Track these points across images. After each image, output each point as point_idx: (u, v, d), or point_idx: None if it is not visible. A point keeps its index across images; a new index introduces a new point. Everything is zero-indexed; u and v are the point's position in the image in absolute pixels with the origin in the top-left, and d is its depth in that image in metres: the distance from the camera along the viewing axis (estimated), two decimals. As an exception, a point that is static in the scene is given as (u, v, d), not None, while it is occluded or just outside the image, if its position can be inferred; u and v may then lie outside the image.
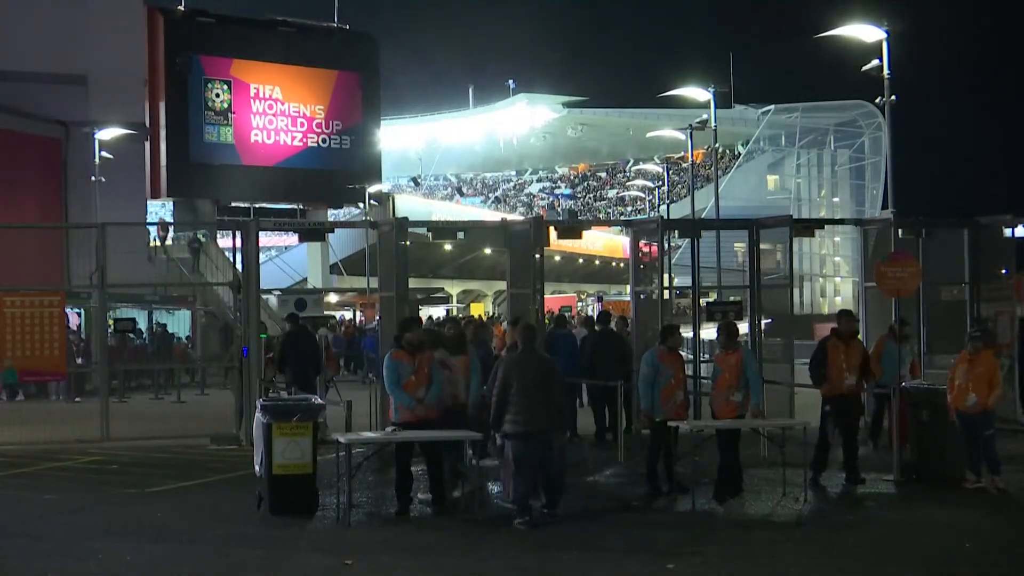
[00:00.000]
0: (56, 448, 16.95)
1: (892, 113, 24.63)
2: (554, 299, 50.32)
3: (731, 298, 21.85)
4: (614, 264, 68.29)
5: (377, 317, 20.26)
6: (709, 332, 16.89)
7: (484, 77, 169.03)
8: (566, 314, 36.64)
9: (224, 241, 40.60)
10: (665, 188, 68.53)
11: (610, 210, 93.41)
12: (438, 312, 52.84)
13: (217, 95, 47.49)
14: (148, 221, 43.95)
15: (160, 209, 52.39)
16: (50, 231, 35.48)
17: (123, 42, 41.17)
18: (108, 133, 36.66)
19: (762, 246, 18.92)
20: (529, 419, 11.28)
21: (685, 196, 65.70)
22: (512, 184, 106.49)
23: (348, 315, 50.28)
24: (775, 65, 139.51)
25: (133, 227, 35.03)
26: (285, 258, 52.31)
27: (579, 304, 57.88)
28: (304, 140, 50.24)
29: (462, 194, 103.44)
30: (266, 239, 38.55)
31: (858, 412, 14.46)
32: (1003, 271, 19.51)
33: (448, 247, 52.75)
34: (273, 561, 10.01)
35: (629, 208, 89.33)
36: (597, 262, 69.27)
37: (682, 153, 71.13)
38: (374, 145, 52.36)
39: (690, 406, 13.90)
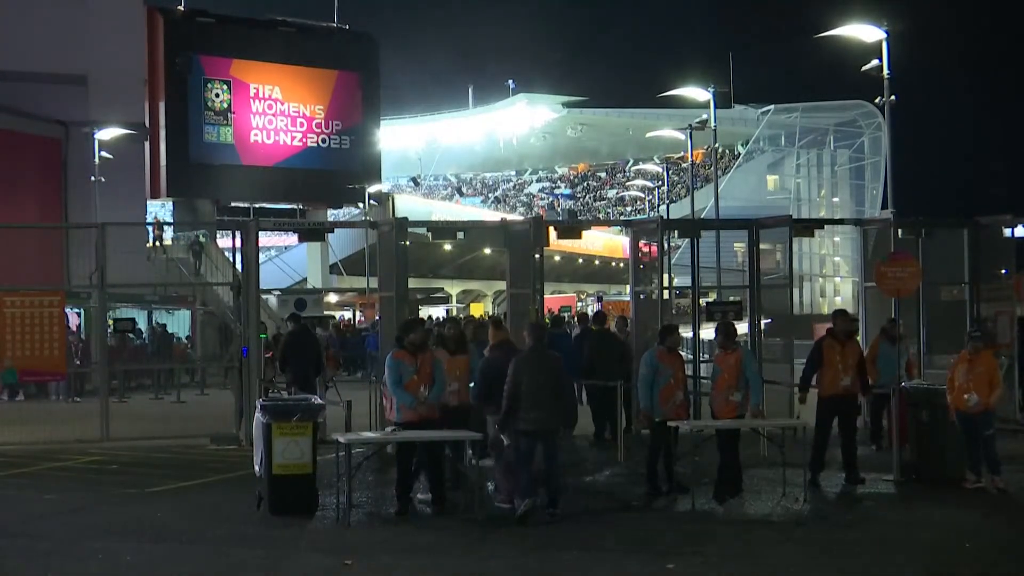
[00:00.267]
0: (56, 448, 16.95)
1: (892, 113, 24.64)
2: (554, 299, 50.36)
3: (731, 298, 21.86)
4: (614, 264, 68.30)
5: (377, 317, 20.27)
6: (709, 332, 16.89)
7: (484, 77, 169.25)
8: (564, 315, 36.71)
9: (224, 241, 40.58)
10: (665, 188, 68.55)
11: (610, 210, 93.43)
12: (438, 312, 52.87)
13: (217, 95, 47.50)
14: (148, 221, 43.97)
15: (160, 209, 52.42)
16: (50, 231, 35.47)
17: (123, 42, 41.17)
18: (108, 133, 36.66)
19: (762, 246, 18.94)
20: (539, 417, 11.40)
21: (685, 196, 65.72)
22: (512, 184, 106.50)
23: (348, 315, 50.30)
24: (775, 65, 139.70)
25: (133, 227, 35.03)
26: (285, 258, 52.31)
27: (579, 304, 57.88)
28: (304, 140, 50.25)
29: (462, 194, 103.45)
30: (266, 239, 38.60)
31: (855, 412, 14.43)
32: (1003, 271, 19.52)
33: (448, 247, 52.77)
34: (273, 561, 10.01)
35: (629, 208, 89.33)
36: (597, 262, 69.29)
37: (682, 153, 71.11)
38: (374, 145, 52.36)
39: (690, 406, 13.89)
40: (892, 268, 14.30)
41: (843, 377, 13.66)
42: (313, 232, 21.47)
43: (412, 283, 18.84)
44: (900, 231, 18.83)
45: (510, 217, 43.84)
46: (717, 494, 12.48)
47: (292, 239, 32.33)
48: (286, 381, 17.88)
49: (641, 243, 19.71)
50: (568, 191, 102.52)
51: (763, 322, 18.66)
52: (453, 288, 61.45)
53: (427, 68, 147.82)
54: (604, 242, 67.83)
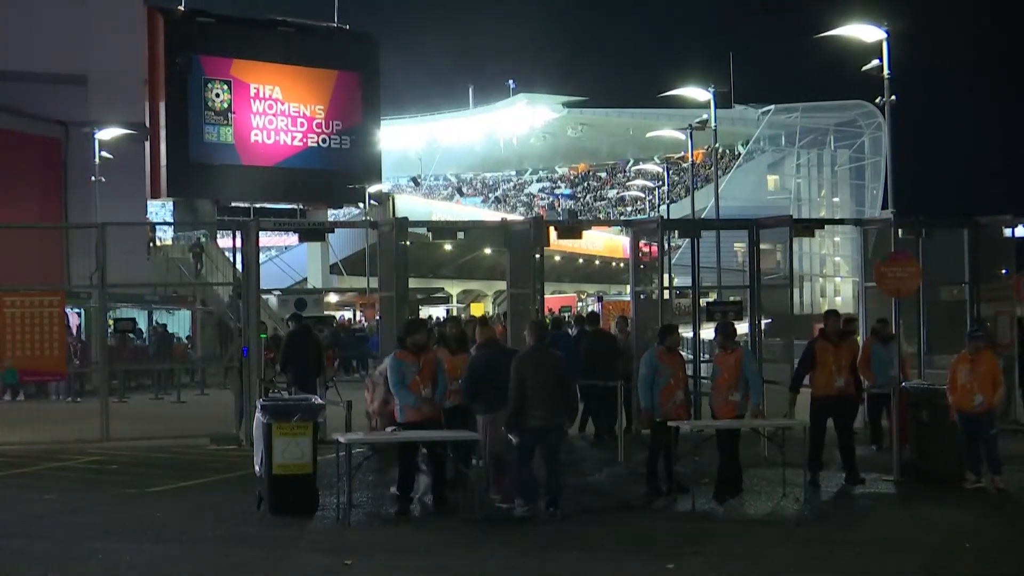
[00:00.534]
0: (56, 448, 16.94)
1: (892, 113, 24.63)
2: (554, 299, 50.35)
3: (731, 298, 21.87)
4: (614, 264, 68.30)
5: (377, 317, 20.26)
6: (709, 332, 16.90)
7: (484, 77, 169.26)
8: (565, 315, 36.72)
9: (224, 241, 40.60)
10: (665, 188, 68.54)
11: (610, 210, 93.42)
12: (439, 312, 52.87)
13: (217, 95, 47.50)
14: (148, 221, 43.98)
15: (160, 209, 52.45)
16: (50, 231, 35.47)
17: (123, 42, 41.16)
18: (108, 133, 36.65)
19: (762, 246, 18.94)
20: (546, 414, 11.51)
21: (685, 196, 65.72)
22: (512, 184, 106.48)
23: (348, 315, 50.31)
24: (775, 65, 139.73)
25: (133, 227, 35.03)
26: (285, 258, 52.31)
27: (579, 304, 57.90)
28: (304, 140, 50.25)
29: (462, 194, 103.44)
30: (266, 239, 38.55)
31: (851, 413, 14.39)
32: (1003, 271, 19.53)
33: (448, 247, 52.78)
34: (273, 561, 10.01)
35: (629, 208, 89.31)
36: (597, 262, 69.30)
37: (682, 153, 71.13)
38: (374, 145, 52.36)
39: (691, 406, 13.88)
40: (892, 268, 14.30)
41: (836, 378, 13.64)
42: (313, 232, 21.47)
43: (412, 283, 18.84)
44: (900, 231, 18.82)
45: (510, 217, 43.84)
46: (717, 494, 12.48)
47: (292, 239, 32.37)
48: (287, 381, 17.87)
49: (641, 243, 19.71)
50: (568, 191, 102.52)
51: (763, 322, 18.66)
52: (453, 288, 61.46)
53: (427, 68, 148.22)
54: (604, 242, 67.83)
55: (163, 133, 45.49)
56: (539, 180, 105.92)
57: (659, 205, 67.01)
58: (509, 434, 11.70)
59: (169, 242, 47.89)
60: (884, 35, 23.54)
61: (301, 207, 51.37)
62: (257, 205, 48.99)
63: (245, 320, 17.50)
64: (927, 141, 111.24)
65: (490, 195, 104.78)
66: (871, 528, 11.38)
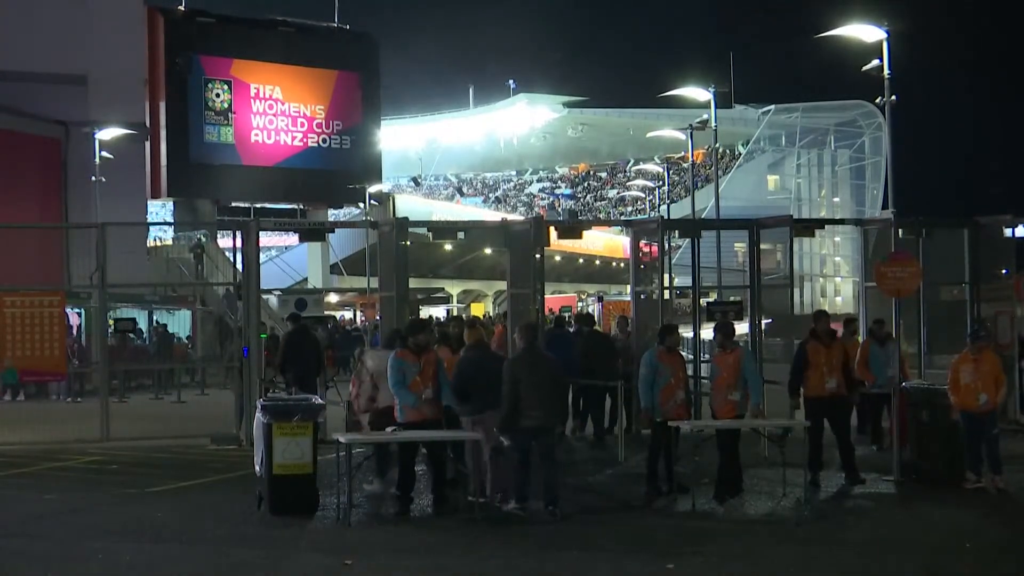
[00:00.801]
0: (56, 448, 16.94)
1: (892, 113, 24.60)
2: (554, 299, 50.34)
3: (731, 298, 21.88)
4: (614, 264, 68.31)
5: (378, 317, 20.25)
6: (709, 332, 16.91)
7: (484, 77, 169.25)
8: (566, 315, 36.71)
9: (224, 241, 40.61)
10: (665, 188, 68.54)
11: (610, 210, 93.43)
12: (438, 312, 52.86)
13: (217, 95, 47.51)
14: (148, 221, 43.97)
15: (160, 209, 52.44)
16: (50, 231, 35.47)
17: (123, 42, 41.19)
18: (108, 133, 36.65)
19: (762, 246, 18.93)
20: (541, 415, 11.60)
21: (685, 196, 65.69)
22: (512, 184, 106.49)
23: (348, 315, 50.33)
24: (775, 65, 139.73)
25: (133, 227, 35.03)
26: (285, 258, 52.31)
27: (579, 304, 57.90)
28: (304, 140, 50.26)
29: (462, 194, 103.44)
30: (266, 239, 38.57)
31: (846, 413, 14.38)
32: (1003, 271, 19.52)
33: (448, 247, 52.78)
34: (273, 561, 10.00)
35: (629, 208, 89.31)
36: (597, 262, 69.30)
37: (682, 153, 71.12)
38: (374, 145, 52.37)
39: (691, 406, 13.88)
40: (892, 268, 14.30)
41: (828, 378, 13.64)
42: (314, 232, 21.47)
43: (412, 283, 18.84)
44: (900, 231, 18.82)
45: (511, 217, 43.85)
46: (717, 494, 12.48)
47: (293, 239, 32.36)
48: (286, 381, 17.82)
49: (642, 243, 19.71)
50: (568, 191, 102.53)
51: (763, 322, 18.66)
52: (453, 288, 61.45)
53: (427, 68, 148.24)
54: (605, 242, 67.83)
55: (163, 133, 45.51)
56: (539, 180, 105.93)
57: (659, 205, 67.00)
58: (501, 436, 11.74)
59: (169, 242, 47.92)
60: (884, 35, 23.49)
61: (301, 207, 51.38)
62: (257, 205, 48.99)
63: (245, 320, 17.49)
64: (927, 141, 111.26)
65: (490, 195, 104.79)
66: (871, 528, 11.38)
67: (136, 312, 33.10)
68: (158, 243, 47.64)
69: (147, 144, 43.45)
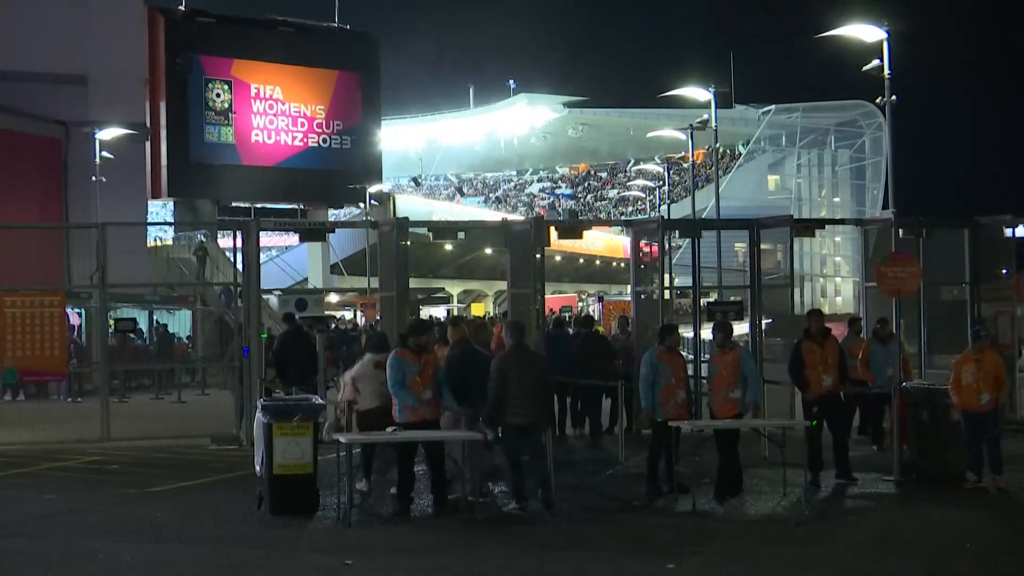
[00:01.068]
0: (56, 448, 16.94)
1: (892, 113, 24.62)
2: (555, 299, 50.36)
3: (731, 298, 21.87)
4: (615, 264, 68.31)
5: (378, 317, 20.25)
6: (710, 332, 16.91)
7: (484, 77, 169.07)
8: (566, 315, 36.73)
9: (224, 241, 40.61)
10: (665, 188, 68.55)
11: (611, 210, 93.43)
12: (439, 312, 52.87)
13: (218, 95, 47.51)
14: (148, 221, 43.96)
15: (160, 209, 52.44)
16: (50, 231, 35.47)
17: (123, 42, 41.18)
18: (108, 133, 36.66)
19: (762, 246, 18.93)
20: (529, 412, 11.68)
21: (685, 196, 65.67)
22: (512, 184, 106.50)
23: (348, 315, 50.32)
24: (775, 65, 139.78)
25: (133, 227, 35.02)
26: (286, 258, 52.31)
27: (580, 304, 57.91)
28: (304, 140, 50.26)
29: (463, 194, 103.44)
30: (266, 239, 38.55)
31: (843, 410, 14.36)
32: (1003, 271, 19.53)
33: (448, 247, 52.77)
34: (273, 561, 10.00)
35: (630, 208, 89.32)
36: (598, 262, 69.29)
37: (682, 153, 71.13)
38: (374, 145, 52.37)
39: (692, 406, 13.88)
40: (892, 268, 14.30)
41: (824, 377, 13.63)
42: (314, 232, 21.48)
43: (413, 283, 18.84)
44: (901, 231, 18.83)
45: (511, 217, 43.86)
46: (718, 494, 12.49)
47: (293, 239, 32.35)
48: (284, 382, 17.71)
49: (642, 243, 19.72)
50: (569, 191, 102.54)
51: (764, 322, 18.66)
52: (454, 288, 61.44)
53: (427, 68, 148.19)
54: (605, 242, 67.82)
55: (163, 133, 45.51)
56: (540, 180, 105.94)
57: (659, 205, 67.01)
58: (486, 429, 11.86)
59: (169, 242, 47.92)
60: (884, 35, 23.52)
61: (301, 207, 51.38)
62: (257, 205, 48.99)
63: (245, 320, 17.47)
64: (927, 141, 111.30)
65: (491, 195, 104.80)
66: (871, 528, 11.38)
67: (136, 312, 33.09)
68: (158, 243, 47.64)
69: (147, 144, 43.44)
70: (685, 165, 71.98)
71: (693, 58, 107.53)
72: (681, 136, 46.61)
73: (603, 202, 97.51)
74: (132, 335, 29.47)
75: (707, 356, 18.07)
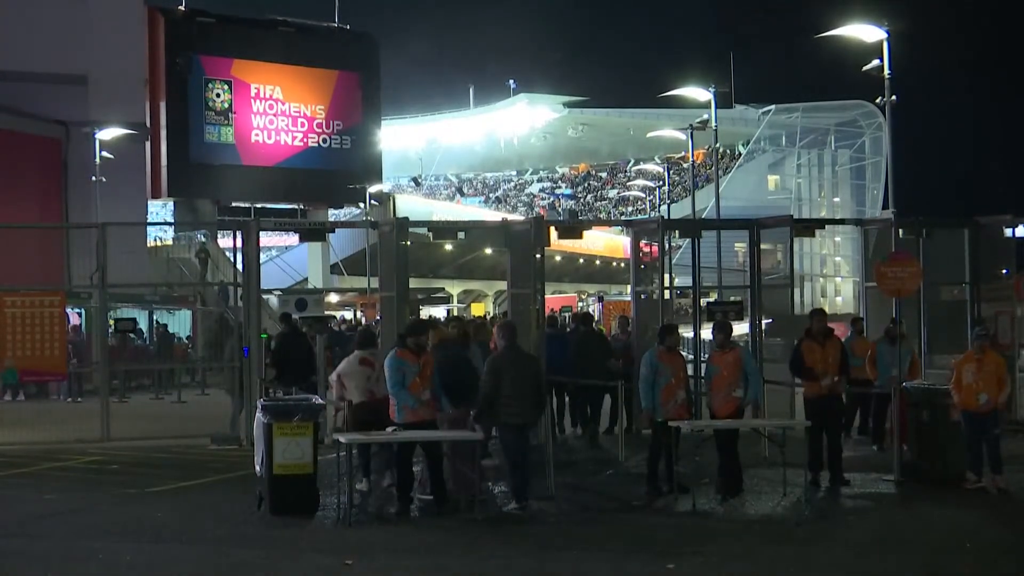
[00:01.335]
0: (56, 448, 16.94)
1: (892, 113, 24.64)
2: (555, 299, 50.36)
3: (731, 298, 21.86)
4: (615, 264, 68.30)
5: (378, 317, 20.24)
6: (710, 332, 16.92)
7: (484, 77, 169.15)
8: (566, 315, 36.75)
9: (224, 241, 40.62)
10: (665, 188, 68.59)
11: (611, 210, 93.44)
12: (438, 312, 52.87)
13: (218, 95, 47.52)
14: (148, 221, 43.97)
15: (160, 209, 52.44)
16: (50, 231, 35.47)
17: (123, 42, 41.19)
18: (108, 133, 36.68)
19: (762, 246, 18.93)
20: (523, 411, 11.82)
21: (685, 196, 65.70)
22: (512, 184, 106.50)
23: (348, 315, 50.30)
24: (775, 65, 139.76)
25: (133, 227, 35.03)
26: (286, 258, 52.30)
27: (580, 304, 57.92)
28: (304, 140, 50.27)
29: (463, 194, 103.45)
30: (266, 239, 38.54)
31: (841, 411, 14.35)
32: (1003, 271, 19.54)
33: (448, 247, 52.75)
34: (273, 561, 10.00)
35: (630, 208, 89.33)
36: (598, 262, 69.28)
37: (682, 153, 71.15)
38: (374, 145, 52.38)
39: (692, 406, 13.88)
40: (892, 268, 14.31)
41: (823, 377, 13.62)
42: (314, 232, 21.47)
43: (413, 283, 18.83)
44: (901, 231, 18.83)
45: (511, 217, 43.83)
46: (720, 491, 12.52)
47: (293, 239, 32.34)
48: (284, 382, 17.69)
49: (642, 243, 19.72)
50: (569, 191, 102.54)
51: (764, 322, 18.66)
52: (454, 288, 61.43)
53: (427, 68, 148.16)
54: (605, 242, 67.82)
55: (163, 133, 45.53)
56: (540, 180, 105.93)
57: (659, 205, 67.05)
58: (476, 425, 11.98)
59: (169, 242, 47.92)
60: (884, 35, 23.55)
61: (301, 207, 51.39)
62: (258, 205, 49.00)
63: (245, 320, 17.47)
64: (927, 141, 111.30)
65: (491, 195, 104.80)
66: (871, 528, 11.38)
67: (136, 312, 33.09)
68: (158, 243, 47.65)
69: (147, 144, 43.45)
70: (685, 165, 71.99)
71: (693, 58, 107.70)
72: (681, 136, 46.65)
73: (603, 202, 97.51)
74: (132, 335, 29.46)
75: (707, 356, 18.14)
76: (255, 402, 13.72)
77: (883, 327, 17.01)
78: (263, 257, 21.88)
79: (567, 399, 18.56)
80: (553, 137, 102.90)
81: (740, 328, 17.94)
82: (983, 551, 10.43)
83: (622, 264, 61.40)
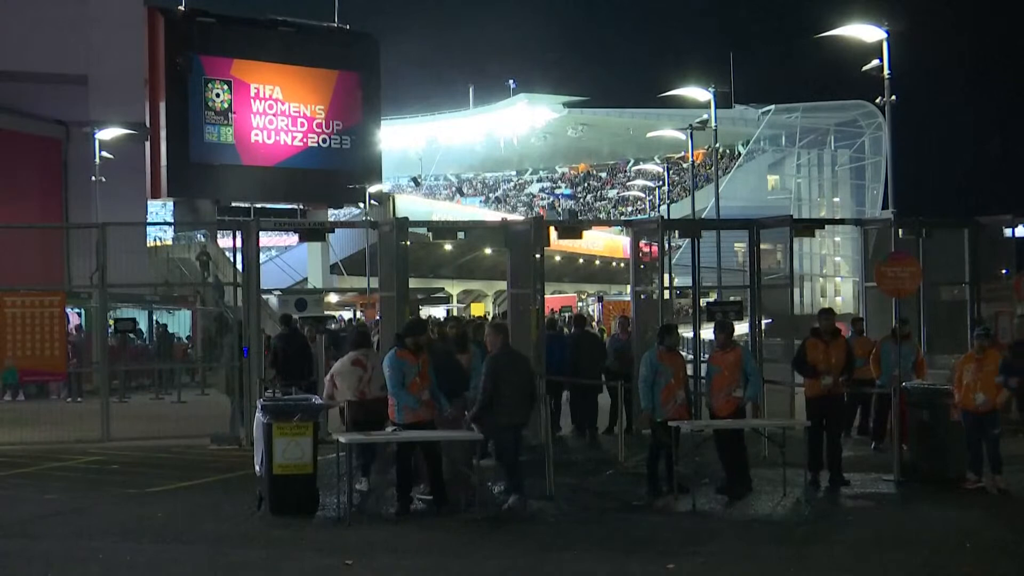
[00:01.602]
0: (56, 448, 16.93)
1: (892, 113, 24.64)
2: (554, 299, 50.38)
3: (731, 298, 21.87)
4: (614, 264, 68.31)
5: (378, 316, 20.24)
6: (710, 332, 16.92)
7: (484, 77, 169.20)
8: (566, 315, 36.76)
9: (224, 241, 40.62)
10: (665, 188, 68.58)
11: (610, 210, 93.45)
12: (438, 312, 52.88)
13: (217, 95, 47.55)
14: (148, 221, 43.96)
15: (160, 209, 52.45)
16: (50, 231, 35.46)
17: (123, 42, 41.18)
18: (108, 133, 36.66)
19: (762, 246, 18.94)
20: (517, 411, 12.00)
21: (685, 196, 65.74)
22: (512, 184, 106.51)
23: (348, 315, 50.31)
24: (775, 65, 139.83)
25: (133, 227, 35.00)
26: (285, 258, 52.33)
27: (579, 304, 57.93)
28: (304, 140, 50.29)
29: (463, 194, 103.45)
30: (266, 239, 38.64)
31: (841, 411, 14.34)
32: (1003, 271, 19.55)
33: (448, 247, 52.80)
34: (273, 561, 10.00)
35: (629, 208, 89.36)
36: (597, 262, 69.30)
37: (682, 153, 71.19)
38: (374, 145, 52.40)
39: (692, 406, 13.88)
40: (892, 268, 14.31)
41: (824, 376, 13.62)
42: (314, 232, 21.46)
43: (412, 283, 18.83)
44: (900, 231, 18.84)
45: (511, 217, 43.90)
46: (729, 490, 12.57)
47: (293, 239, 32.42)
48: (285, 383, 17.67)
49: (642, 243, 19.71)
50: (569, 191, 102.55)
51: (764, 322, 18.66)
52: (453, 288, 61.44)
53: (427, 68, 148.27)
54: (605, 242, 67.83)
55: (163, 133, 45.57)
56: (539, 180, 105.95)
57: (659, 205, 67.07)
58: (473, 425, 12.03)
59: (169, 242, 47.93)
60: (884, 35, 23.55)
61: (301, 207, 51.40)
62: (257, 205, 49.01)
63: (245, 320, 17.47)
64: (927, 141, 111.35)
65: (490, 195, 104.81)
66: (871, 528, 11.38)
67: (136, 312, 33.07)
68: (158, 243, 47.65)
69: (147, 144, 43.45)
70: (685, 165, 72.02)
71: (693, 58, 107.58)
72: (681, 136, 46.65)
73: (603, 202, 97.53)
74: (132, 335, 29.45)
75: (707, 356, 18.14)
76: (255, 402, 13.71)
77: (890, 327, 16.98)
78: (263, 257, 21.86)
79: (566, 397, 18.59)
80: (553, 137, 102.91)
81: (740, 328, 17.93)
82: (983, 551, 10.43)
83: (622, 264, 61.41)
